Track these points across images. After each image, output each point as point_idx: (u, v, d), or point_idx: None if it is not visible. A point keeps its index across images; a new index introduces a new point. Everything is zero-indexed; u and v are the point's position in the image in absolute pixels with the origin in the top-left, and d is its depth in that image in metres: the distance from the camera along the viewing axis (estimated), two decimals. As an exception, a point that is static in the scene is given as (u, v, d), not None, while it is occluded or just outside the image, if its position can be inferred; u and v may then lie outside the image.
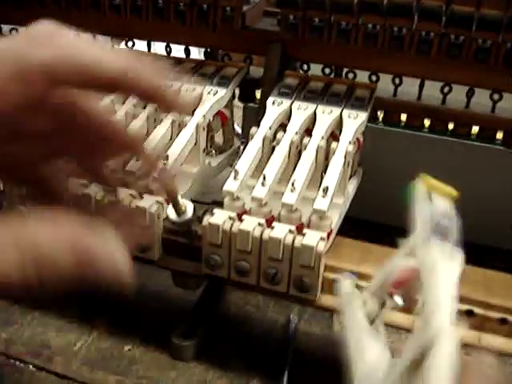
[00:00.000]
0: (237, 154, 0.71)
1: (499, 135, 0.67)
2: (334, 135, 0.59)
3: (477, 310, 0.49)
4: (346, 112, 0.60)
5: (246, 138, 0.67)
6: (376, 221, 0.70)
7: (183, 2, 0.66)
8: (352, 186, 0.60)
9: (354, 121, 0.59)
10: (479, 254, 0.49)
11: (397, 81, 0.65)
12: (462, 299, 0.48)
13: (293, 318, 0.64)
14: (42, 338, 0.61)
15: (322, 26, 0.62)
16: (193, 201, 0.58)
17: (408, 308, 0.36)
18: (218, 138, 0.70)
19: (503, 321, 0.49)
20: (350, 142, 0.56)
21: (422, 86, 0.65)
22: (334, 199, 0.52)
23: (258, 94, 0.73)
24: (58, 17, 0.71)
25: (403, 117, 0.68)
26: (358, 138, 0.58)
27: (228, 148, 0.70)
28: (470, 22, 0.57)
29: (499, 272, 0.54)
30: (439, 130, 0.68)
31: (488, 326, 0.49)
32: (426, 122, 0.68)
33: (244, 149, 0.59)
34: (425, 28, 0.59)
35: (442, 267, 0.32)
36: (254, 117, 0.66)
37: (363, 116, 0.59)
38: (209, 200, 0.66)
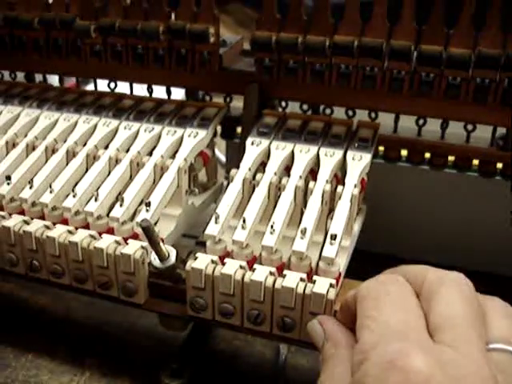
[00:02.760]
0: (221, 191, 0.73)
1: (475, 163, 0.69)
2: (313, 173, 0.61)
3: None
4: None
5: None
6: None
7: (161, 47, 0.67)
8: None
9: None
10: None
11: (373, 115, 0.67)
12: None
13: (282, 350, 0.65)
14: (35, 381, 0.62)
15: (297, 68, 0.64)
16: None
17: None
18: (202, 175, 0.71)
19: None
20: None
21: (397, 120, 0.67)
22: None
23: (239, 129, 0.74)
24: (40, 64, 0.74)
25: (381, 148, 0.70)
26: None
27: (212, 185, 0.72)
28: (439, 60, 0.59)
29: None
30: (416, 161, 0.69)
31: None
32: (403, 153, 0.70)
33: (227, 186, 0.60)
34: (395, 67, 0.61)
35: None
36: (238, 152, 0.68)
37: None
38: (194, 233, 0.67)
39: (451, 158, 0.69)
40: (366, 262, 0.60)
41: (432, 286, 0.35)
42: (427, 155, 0.70)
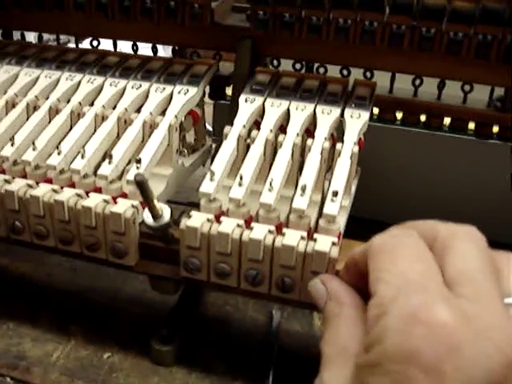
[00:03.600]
0: (209, 153, 0.71)
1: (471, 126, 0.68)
2: (309, 132, 0.59)
3: None
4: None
5: (217, 136, 0.67)
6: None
7: (150, 0, 0.64)
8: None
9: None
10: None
11: (368, 74, 0.65)
12: None
13: (275, 314, 0.64)
14: (18, 349, 0.59)
15: (293, 22, 0.61)
16: (168, 201, 0.58)
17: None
18: (190, 137, 0.69)
19: None
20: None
21: (393, 80, 0.65)
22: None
23: (228, 90, 0.72)
24: (20, 18, 0.71)
25: (375, 111, 0.68)
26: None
27: (200, 147, 0.69)
28: (442, 15, 0.57)
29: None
30: (411, 122, 0.68)
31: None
32: (399, 115, 0.69)
33: (216, 147, 0.58)
34: (396, 21, 0.59)
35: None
36: (225, 114, 0.65)
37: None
38: (182, 199, 0.65)
39: (447, 121, 0.68)
40: (358, 228, 0.58)
41: (445, 240, 0.34)
42: (422, 118, 0.68)
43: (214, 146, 0.71)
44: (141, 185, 0.47)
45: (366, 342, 0.30)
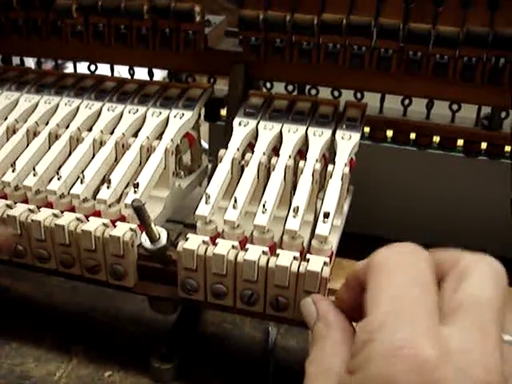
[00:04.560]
0: (206, 174, 0.72)
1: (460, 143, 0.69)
2: (301, 153, 0.61)
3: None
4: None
5: (213, 156, 0.68)
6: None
7: (145, 27, 0.66)
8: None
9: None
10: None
11: (358, 95, 0.67)
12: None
13: (271, 331, 0.65)
14: (21, 369, 0.61)
15: (284, 47, 0.63)
16: (166, 220, 0.59)
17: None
18: (186, 158, 0.70)
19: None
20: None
21: (382, 100, 0.67)
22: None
23: (223, 112, 0.74)
24: (20, 45, 0.72)
25: (367, 129, 0.70)
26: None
27: (196, 168, 0.71)
28: (427, 39, 0.58)
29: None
30: (401, 141, 0.70)
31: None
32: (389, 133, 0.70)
33: (212, 169, 0.59)
34: (383, 45, 0.60)
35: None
36: (221, 134, 0.67)
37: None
38: (178, 218, 0.66)
39: (436, 139, 0.70)
40: (354, 244, 0.60)
41: (467, 266, 0.33)
42: (412, 136, 0.70)
43: (209, 166, 0.72)
44: (138, 210, 0.49)
45: (351, 365, 0.31)
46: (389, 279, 0.33)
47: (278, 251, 0.51)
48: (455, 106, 0.66)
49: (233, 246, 0.51)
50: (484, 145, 0.68)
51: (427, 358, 0.28)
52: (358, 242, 0.61)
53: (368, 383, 0.29)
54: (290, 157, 0.58)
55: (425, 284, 0.32)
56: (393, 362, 0.28)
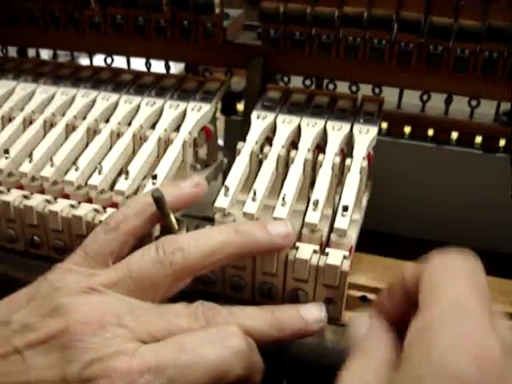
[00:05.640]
0: (221, 168, 0.72)
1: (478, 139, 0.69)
2: (320, 147, 0.60)
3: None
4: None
5: (229, 151, 0.68)
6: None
7: (164, 19, 0.66)
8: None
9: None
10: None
11: (376, 90, 0.67)
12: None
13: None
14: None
15: (303, 40, 0.63)
16: (182, 215, 0.59)
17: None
18: (202, 152, 0.70)
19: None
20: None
21: (401, 95, 0.67)
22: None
23: (239, 106, 0.73)
24: (37, 37, 0.72)
25: (384, 125, 0.70)
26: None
27: (212, 162, 0.71)
28: (449, 33, 0.58)
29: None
30: (419, 137, 0.69)
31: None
32: (407, 129, 0.70)
33: (229, 163, 0.59)
34: (404, 39, 0.60)
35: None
36: (237, 129, 0.67)
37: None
38: (195, 213, 0.66)
39: (454, 135, 0.69)
40: (370, 241, 0.59)
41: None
42: (430, 132, 0.69)
43: (225, 160, 0.72)
44: (158, 200, 0.49)
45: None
46: (450, 279, 0.33)
47: (298, 244, 0.50)
48: (474, 102, 0.66)
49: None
50: (503, 141, 0.68)
51: (493, 348, 0.29)
52: (374, 238, 0.61)
53: (431, 372, 0.29)
54: (308, 150, 0.58)
55: (480, 285, 0.33)
56: (460, 352, 0.29)
